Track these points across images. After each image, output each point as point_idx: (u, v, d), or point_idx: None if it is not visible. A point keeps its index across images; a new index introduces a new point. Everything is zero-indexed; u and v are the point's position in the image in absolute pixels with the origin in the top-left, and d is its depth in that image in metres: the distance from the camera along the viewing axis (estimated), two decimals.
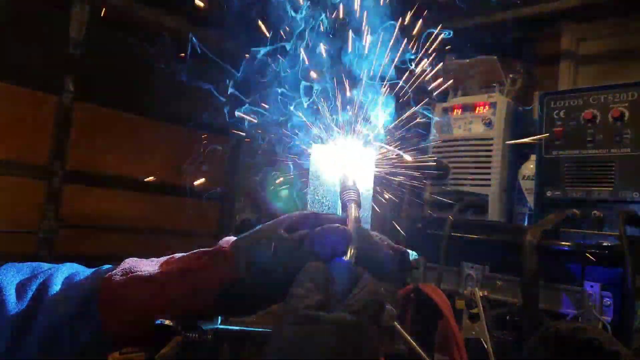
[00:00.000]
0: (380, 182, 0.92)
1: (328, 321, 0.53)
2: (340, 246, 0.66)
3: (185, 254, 0.76)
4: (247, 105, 0.98)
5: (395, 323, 0.62)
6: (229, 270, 0.70)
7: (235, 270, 0.70)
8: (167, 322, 0.67)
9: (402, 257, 0.74)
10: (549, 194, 1.97)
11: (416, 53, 1.04)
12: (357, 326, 0.54)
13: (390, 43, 0.98)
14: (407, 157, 0.92)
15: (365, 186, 0.83)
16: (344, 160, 0.82)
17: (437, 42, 1.10)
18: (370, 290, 0.58)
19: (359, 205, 0.73)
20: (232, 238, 0.76)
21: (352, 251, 0.63)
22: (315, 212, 0.77)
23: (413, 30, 1.05)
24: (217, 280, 0.70)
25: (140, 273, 0.71)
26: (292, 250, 0.69)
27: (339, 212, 0.77)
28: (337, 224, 0.70)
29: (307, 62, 0.97)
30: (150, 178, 3.54)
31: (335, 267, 0.61)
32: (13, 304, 0.70)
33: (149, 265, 0.74)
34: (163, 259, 0.76)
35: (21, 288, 0.72)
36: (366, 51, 0.98)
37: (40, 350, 0.68)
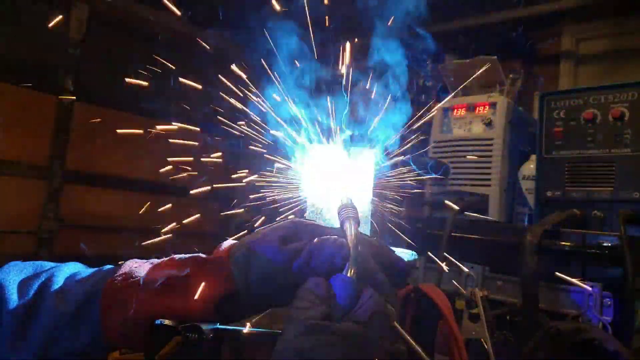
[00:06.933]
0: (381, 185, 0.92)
1: (336, 331, 0.53)
2: (337, 260, 0.65)
3: (184, 256, 0.76)
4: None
5: (395, 323, 0.62)
6: (226, 282, 0.71)
7: (232, 282, 0.71)
8: (167, 322, 0.67)
9: (400, 276, 0.73)
10: (549, 194, 1.97)
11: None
12: (365, 336, 0.54)
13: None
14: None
15: (366, 187, 0.83)
16: (343, 167, 0.82)
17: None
18: (375, 302, 0.58)
19: (357, 222, 0.72)
20: (231, 242, 0.76)
21: (353, 270, 0.63)
22: (312, 222, 0.76)
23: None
24: (215, 291, 0.71)
25: (140, 278, 0.71)
26: (288, 264, 0.68)
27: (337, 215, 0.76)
28: (335, 236, 0.69)
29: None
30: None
31: (337, 282, 0.61)
32: (15, 302, 0.70)
33: (148, 269, 0.74)
34: (163, 260, 0.76)
35: (23, 286, 0.72)
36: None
37: (41, 348, 0.69)
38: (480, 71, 2.38)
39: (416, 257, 0.82)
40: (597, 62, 3.08)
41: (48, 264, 0.79)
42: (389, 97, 0.96)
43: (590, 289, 1.57)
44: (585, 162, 1.89)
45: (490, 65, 2.35)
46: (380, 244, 0.74)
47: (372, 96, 0.97)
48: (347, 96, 0.95)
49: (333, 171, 0.82)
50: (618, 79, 2.04)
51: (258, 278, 0.70)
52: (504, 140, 2.22)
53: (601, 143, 1.86)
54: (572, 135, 1.94)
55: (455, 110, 2.39)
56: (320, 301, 0.57)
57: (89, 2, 3.27)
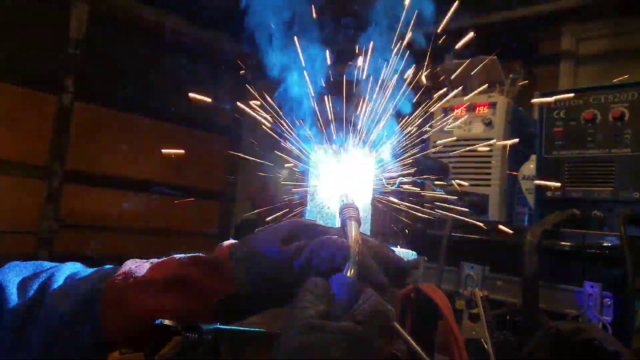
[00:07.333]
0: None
1: (336, 330, 0.53)
2: (337, 260, 0.65)
3: (184, 256, 0.76)
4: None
5: (395, 323, 0.62)
6: (226, 283, 0.71)
7: (232, 283, 0.71)
8: (167, 322, 0.67)
9: (400, 277, 0.73)
10: (549, 194, 1.97)
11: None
12: (364, 336, 0.54)
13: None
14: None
15: (366, 188, 0.83)
16: (345, 165, 0.82)
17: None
18: (374, 302, 0.58)
19: (358, 222, 0.71)
20: (231, 242, 0.76)
21: (353, 270, 0.63)
22: (313, 222, 0.76)
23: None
24: (215, 292, 0.71)
25: (140, 278, 0.71)
26: (289, 263, 0.68)
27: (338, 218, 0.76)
28: (335, 236, 0.69)
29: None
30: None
31: (336, 282, 0.61)
32: (15, 302, 0.70)
33: (148, 269, 0.74)
34: (163, 260, 0.76)
35: (23, 286, 0.72)
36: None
37: (41, 349, 0.69)
38: (480, 71, 2.39)
39: (416, 257, 0.82)
40: (597, 62, 3.08)
41: (48, 264, 0.79)
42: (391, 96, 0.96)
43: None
44: (585, 162, 1.89)
45: (490, 65, 2.35)
46: (380, 244, 0.74)
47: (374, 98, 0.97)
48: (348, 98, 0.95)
49: (335, 171, 0.82)
50: (618, 79, 2.04)
51: (258, 278, 0.70)
52: (504, 140, 2.22)
53: (601, 143, 1.86)
54: (572, 135, 1.94)
55: (455, 110, 2.39)
56: (320, 301, 0.57)
57: (89, 2, 3.27)
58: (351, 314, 0.57)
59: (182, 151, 1.05)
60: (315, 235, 0.71)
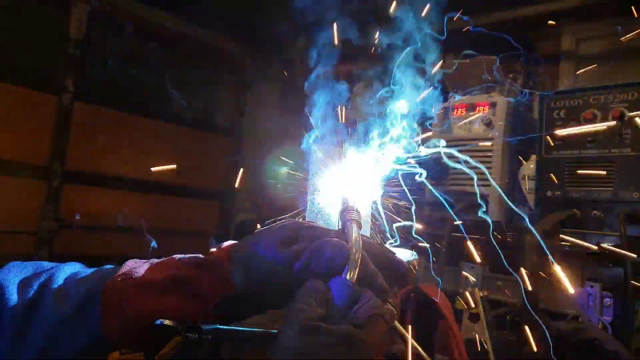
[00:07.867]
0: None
1: (333, 333, 0.53)
2: (337, 262, 0.64)
3: (184, 256, 0.76)
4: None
5: (395, 323, 0.62)
6: (225, 284, 0.71)
7: (232, 283, 0.71)
8: (167, 322, 0.67)
9: (400, 279, 0.73)
10: (549, 194, 1.97)
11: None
12: (362, 340, 0.54)
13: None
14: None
15: (367, 189, 0.83)
16: (347, 167, 0.81)
17: None
18: (372, 305, 0.58)
19: (359, 225, 0.71)
20: (231, 243, 0.76)
21: (352, 273, 0.62)
22: (313, 224, 0.75)
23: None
24: (214, 293, 0.71)
25: (140, 278, 0.71)
26: (288, 266, 0.68)
27: (338, 217, 0.76)
28: (335, 239, 0.68)
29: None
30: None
31: (335, 285, 0.61)
32: (15, 302, 0.70)
33: (148, 269, 0.73)
34: (162, 260, 0.76)
35: (23, 286, 0.72)
36: None
37: (41, 349, 0.69)
38: (480, 71, 2.39)
39: (416, 257, 0.82)
40: (597, 62, 3.08)
41: (48, 264, 0.79)
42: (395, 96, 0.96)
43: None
44: (585, 162, 1.89)
45: (490, 65, 2.35)
46: (381, 246, 0.74)
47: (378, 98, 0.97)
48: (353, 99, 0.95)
49: (338, 173, 0.82)
50: (618, 79, 2.04)
51: (257, 279, 0.70)
52: (504, 140, 2.22)
53: (601, 143, 1.86)
54: (572, 135, 1.94)
55: (455, 110, 2.39)
56: (318, 303, 0.57)
57: (89, 2, 3.27)
58: (349, 317, 0.56)
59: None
60: (315, 237, 0.70)
